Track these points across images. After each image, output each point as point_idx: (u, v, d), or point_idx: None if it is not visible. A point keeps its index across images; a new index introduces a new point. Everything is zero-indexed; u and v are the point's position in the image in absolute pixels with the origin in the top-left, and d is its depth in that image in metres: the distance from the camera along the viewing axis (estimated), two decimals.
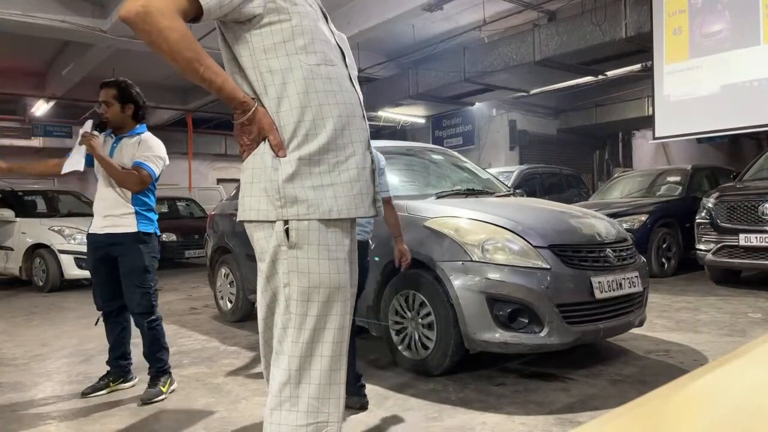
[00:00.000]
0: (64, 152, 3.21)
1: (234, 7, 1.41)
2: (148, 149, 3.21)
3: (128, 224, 3.15)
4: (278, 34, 1.44)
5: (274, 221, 1.42)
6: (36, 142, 16.04)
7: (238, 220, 1.55)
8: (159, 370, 3.25)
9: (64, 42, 10.63)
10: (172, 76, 13.55)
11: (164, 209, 11.95)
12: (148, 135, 3.29)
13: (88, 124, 3.15)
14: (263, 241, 1.47)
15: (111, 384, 3.34)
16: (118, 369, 3.39)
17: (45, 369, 3.91)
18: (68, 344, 4.62)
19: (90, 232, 3.26)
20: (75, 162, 3.06)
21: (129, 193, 3.16)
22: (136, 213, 3.19)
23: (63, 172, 3.08)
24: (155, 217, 3.30)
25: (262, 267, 1.49)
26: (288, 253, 1.42)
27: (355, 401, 2.87)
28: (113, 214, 3.16)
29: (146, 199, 3.25)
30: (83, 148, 3.06)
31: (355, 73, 1.64)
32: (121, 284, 3.18)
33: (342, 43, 1.63)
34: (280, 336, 1.43)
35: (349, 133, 1.49)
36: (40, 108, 14.30)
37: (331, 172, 1.44)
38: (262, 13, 1.43)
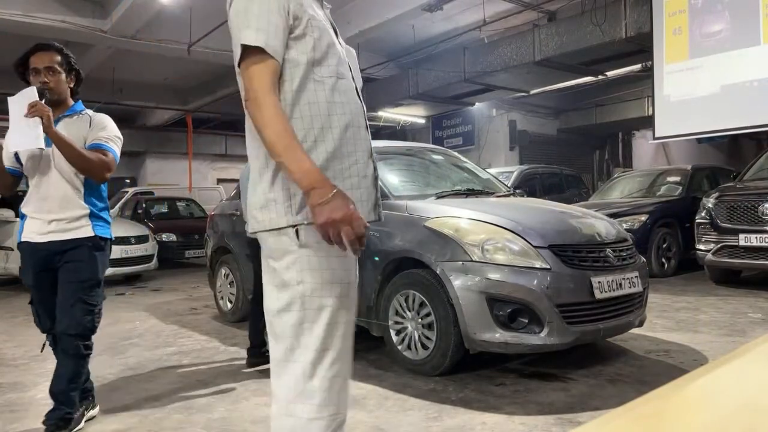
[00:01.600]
0: None
1: (287, 39, 1.52)
2: (104, 128, 2.64)
3: (82, 228, 2.58)
4: (300, 47, 1.52)
5: (285, 227, 1.49)
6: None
7: (250, 232, 1.59)
8: (68, 416, 2.57)
9: (64, 42, 10.63)
10: (172, 76, 13.57)
11: (164, 209, 11.96)
12: (97, 113, 2.71)
13: (33, 92, 2.41)
14: (275, 246, 1.53)
15: (84, 413, 2.77)
16: (81, 394, 2.75)
17: (45, 369, 3.90)
18: None
19: (25, 239, 2.60)
20: (30, 138, 2.38)
21: (81, 189, 2.59)
22: (91, 214, 2.63)
23: (11, 149, 2.44)
24: (109, 218, 2.77)
25: (277, 269, 1.53)
26: (299, 252, 1.48)
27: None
28: (62, 217, 2.56)
29: (102, 195, 2.71)
30: (37, 121, 2.36)
31: (360, 85, 1.73)
32: None
33: (349, 57, 1.71)
34: (294, 332, 1.49)
35: (353, 142, 1.57)
36: None
37: (335, 178, 1.49)
38: (295, 33, 1.54)
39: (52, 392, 2.60)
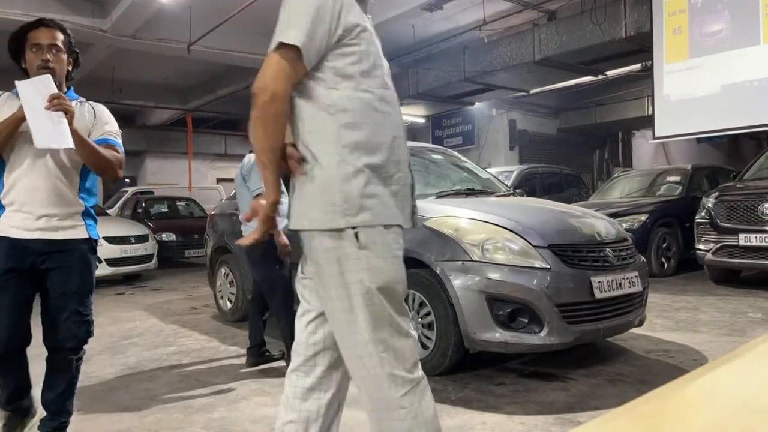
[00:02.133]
0: None
1: (324, 49, 1.56)
2: (108, 122, 2.41)
3: (76, 228, 2.30)
4: (348, 57, 1.58)
5: (344, 228, 1.55)
6: None
7: (292, 228, 1.64)
8: (63, 425, 2.40)
9: None
10: (172, 75, 13.56)
11: (164, 209, 11.96)
12: (97, 104, 2.45)
13: (49, 81, 2.18)
14: (323, 248, 1.58)
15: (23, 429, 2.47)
16: (23, 411, 2.47)
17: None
18: None
19: (3, 234, 2.23)
20: (57, 135, 2.15)
21: (77, 182, 2.33)
22: (85, 213, 2.36)
23: (41, 146, 2.18)
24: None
25: (329, 269, 1.58)
26: (358, 254, 1.54)
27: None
28: (54, 212, 2.25)
29: (94, 190, 2.47)
30: (61, 116, 2.13)
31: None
32: (25, 309, 2.27)
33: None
34: (350, 329, 1.57)
35: (398, 151, 1.64)
36: None
37: (382, 184, 1.59)
38: (341, 40, 1.59)
39: (45, 403, 2.38)
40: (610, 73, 11.35)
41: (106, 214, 9.97)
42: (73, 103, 2.27)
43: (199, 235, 9.44)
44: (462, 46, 10.83)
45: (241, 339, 4.53)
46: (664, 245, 7.28)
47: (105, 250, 7.69)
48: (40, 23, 2.35)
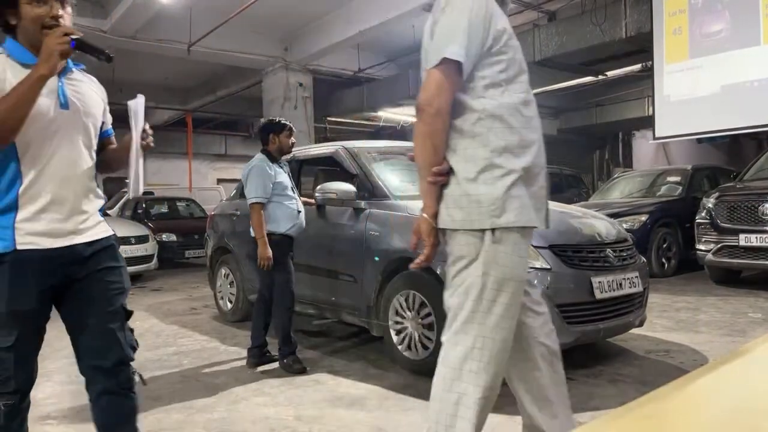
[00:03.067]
0: None
1: (476, 59, 1.65)
2: (107, 107, 2.00)
3: (101, 224, 1.85)
4: (496, 65, 1.66)
5: (488, 229, 1.63)
6: None
7: (440, 227, 1.70)
8: None
9: None
10: (173, 76, 13.56)
11: (164, 209, 11.96)
12: (91, 76, 1.95)
13: (140, 104, 1.86)
14: (465, 245, 1.67)
15: None
16: None
17: (45, 369, 3.90)
18: (68, 344, 4.59)
19: (27, 246, 1.66)
20: (141, 180, 1.84)
21: (95, 171, 1.86)
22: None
23: (132, 196, 2.04)
24: None
25: (463, 263, 1.68)
26: (490, 248, 1.63)
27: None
28: (85, 209, 1.79)
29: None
30: (139, 159, 1.82)
31: None
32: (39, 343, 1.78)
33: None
34: (467, 318, 1.68)
35: (540, 154, 1.72)
36: None
37: (524, 186, 1.66)
38: (491, 49, 1.67)
39: None
40: (611, 73, 11.34)
41: (107, 215, 9.96)
42: (78, 74, 1.86)
43: (199, 236, 9.44)
44: None
45: (242, 339, 4.53)
46: (665, 245, 7.28)
47: None
48: None
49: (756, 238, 5.75)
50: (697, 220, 6.38)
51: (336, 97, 13.42)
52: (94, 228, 1.82)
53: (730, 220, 6.02)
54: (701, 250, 6.30)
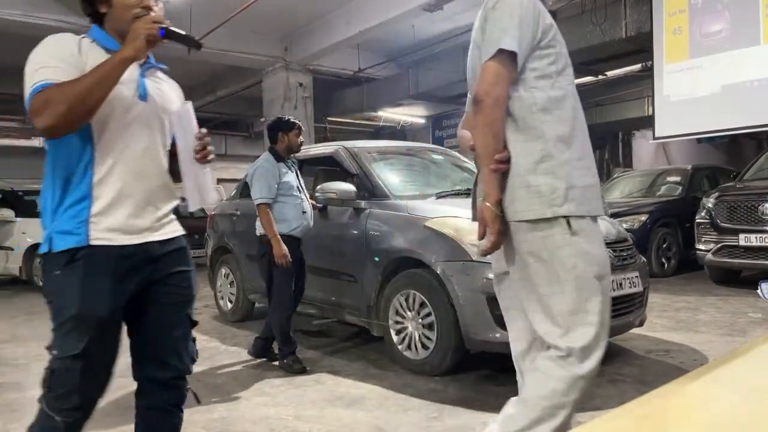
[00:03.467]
0: None
1: (528, 52, 1.70)
2: None
3: (174, 221, 1.76)
4: (546, 58, 1.72)
5: (556, 218, 1.66)
6: (36, 142, 16.02)
7: (511, 220, 1.69)
8: None
9: None
10: (172, 76, 13.52)
11: None
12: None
13: (189, 110, 1.74)
14: (539, 239, 1.67)
15: None
16: None
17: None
18: None
19: (100, 241, 1.54)
20: (206, 190, 1.73)
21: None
22: None
23: (192, 209, 1.80)
24: None
25: (542, 257, 1.67)
26: (571, 240, 1.66)
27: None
28: (162, 206, 1.70)
29: None
30: (199, 168, 1.72)
31: None
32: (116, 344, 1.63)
33: None
34: (570, 311, 1.66)
35: (588, 144, 1.79)
36: None
37: (583, 175, 1.71)
38: (540, 42, 1.73)
39: None
40: (610, 73, 11.33)
41: None
42: (162, 76, 1.82)
43: (199, 236, 9.40)
44: (462, 47, 10.76)
45: (242, 339, 4.54)
46: (665, 245, 7.28)
47: None
48: None
49: (756, 238, 5.75)
50: (697, 220, 6.38)
51: (336, 97, 13.41)
52: (168, 226, 1.71)
53: (730, 220, 6.02)
54: (701, 250, 6.30)
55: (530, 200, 1.66)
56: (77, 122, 1.49)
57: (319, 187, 4.05)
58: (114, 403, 3.14)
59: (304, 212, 3.80)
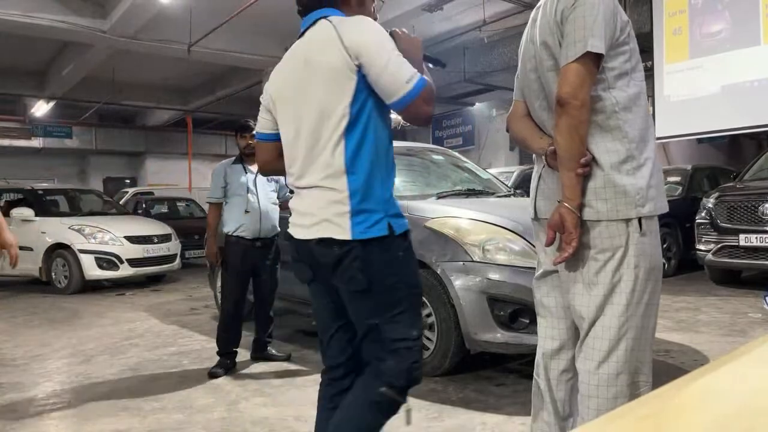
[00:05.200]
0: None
1: (608, 49, 1.66)
2: None
3: None
4: (622, 56, 1.70)
5: (634, 218, 1.65)
6: (36, 142, 16.05)
7: (586, 218, 1.67)
8: None
9: (64, 42, 10.62)
10: (172, 77, 13.56)
11: (164, 209, 11.95)
12: None
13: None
14: (608, 237, 1.66)
15: None
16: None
17: (45, 369, 3.90)
18: (68, 344, 4.62)
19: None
20: None
21: None
22: None
23: None
24: None
25: (610, 256, 1.66)
26: (639, 240, 1.66)
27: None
28: None
29: None
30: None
31: None
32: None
33: None
34: (621, 312, 1.65)
35: (654, 143, 1.76)
36: (40, 108, 14.30)
37: (657, 174, 1.70)
38: (618, 40, 1.70)
39: None
40: None
41: (128, 213, 9.91)
42: None
43: (199, 236, 9.43)
44: (462, 47, 10.83)
45: (241, 339, 4.53)
46: (665, 245, 7.27)
47: (127, 249, 7.58)
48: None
49: (756, 238, 5.76)
50: (697, 220, 6.38)
51: None
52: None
53: (729, 220, 6.02)
54: (701, 250, 6.30)
55: (616, 201, 1.65)
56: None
57: None
58: (114, 404, 3.14)
59: (247, 212, 3.70)
